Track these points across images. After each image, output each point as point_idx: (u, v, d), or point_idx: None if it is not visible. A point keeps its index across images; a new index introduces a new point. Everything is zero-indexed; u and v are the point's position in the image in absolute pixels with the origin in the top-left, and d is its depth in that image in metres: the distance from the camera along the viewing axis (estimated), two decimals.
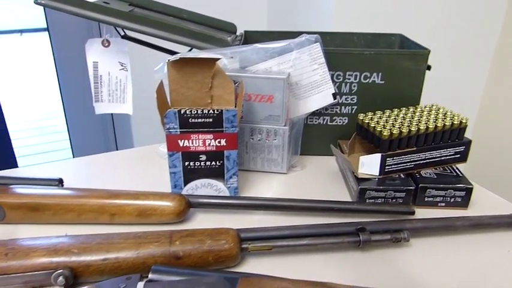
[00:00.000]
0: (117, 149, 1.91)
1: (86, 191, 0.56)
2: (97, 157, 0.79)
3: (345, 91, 0.70)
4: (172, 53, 0.75)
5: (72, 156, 1.85)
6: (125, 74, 0.77)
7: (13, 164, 0.88)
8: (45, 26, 1.65)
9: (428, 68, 0.69)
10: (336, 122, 0.73)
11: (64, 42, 1.68)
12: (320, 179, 0.70)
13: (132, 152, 0.82)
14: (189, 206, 0.56)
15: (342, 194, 0.65)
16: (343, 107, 0.72)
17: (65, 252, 0.44)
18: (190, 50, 0.74)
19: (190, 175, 0.59)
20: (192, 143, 0.57)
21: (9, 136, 0.92)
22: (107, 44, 0.74)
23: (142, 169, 0.74)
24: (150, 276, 0.41)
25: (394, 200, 0.60)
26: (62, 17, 1.65)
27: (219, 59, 0.60)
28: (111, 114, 1.87)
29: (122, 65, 0.76)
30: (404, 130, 0.59)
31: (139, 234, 0.47)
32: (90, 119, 1.83)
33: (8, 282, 0.43)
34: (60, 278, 0.43)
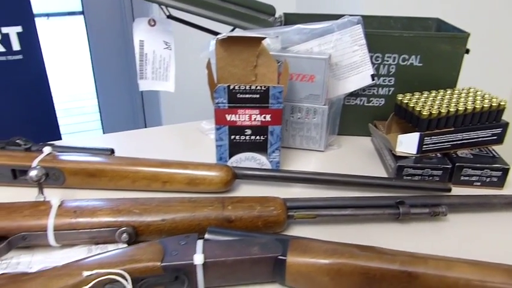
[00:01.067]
0: (146, 126, 1.96)
1: (140, 160, 0.59)
2: (140, 132, 0.83)
3: (383, 73, 0.72)
4: (214, 33, 0.78)
5: None
6: (169, 53, 0.80)
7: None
8: (81, 10, 1.69)
9: (467, 51, 0.70)
10: (373, 103, 0.75)
11: (98, 25, 1.73)
12: (356, 157, 0.72)
13: (175, 128, 0.85)
14: (235, 176, 0.59)
15: (378, 172, 0.67)
16: (380, 88, 0.74)
17: (127, 212, 0.48)
18: (232, 30, 0.77)
19: (235, 148, 0.63)
20: (239, 118, 0.60)
21: (55, 112, 0.97)
22: (153, 24, 0.77)
23: (185, 144, 0.77)
24: (207, 236, 0.45)
25: (430, 178, 0.62)
26: (96, 0, 1.70)
27: (264, 38, 0.63)
28: (141, 95, 1.92)
29: (166, 44, 0.79)
30: (443, 110, 0.61)
31: (193, 199, 0.50)
32: (121, 99, 1.89)
33: (76, 237, 0.47)
34: (124, 235, 0.46)
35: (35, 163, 0.58)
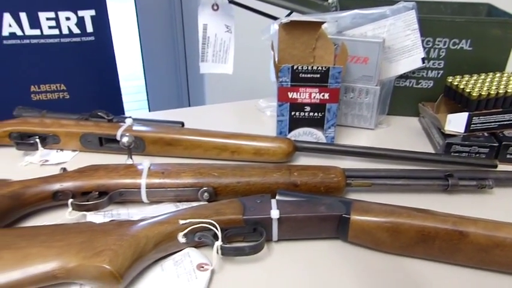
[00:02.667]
0: (189, 106, 2.04)
1: (210, 132, 0.66)
2: (200, 108, 0.91)
3: (433, 56, 0.76)
4: (272, 17, 0.83)
5: None
6: (229, 36, 0.86)
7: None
8: None
9: None
10: (422, 85, 0.79)
11: (147, 8, 1.80)
12: (404, 135, 0.77)
13: (232, 106, 0.92)
14: (295, 149, 0.65)
15: (425, 149, 0.72)
16: (429, 71, 0.78)
17: (207, 175, 0.55)
18: (289, 14, 0.82)
19: (294, 123, 0.69)
20: (300, 95, 0.66)
21: (120, 90, 1.06)
22: (216, 8, 0.83)
23: (242, 119, 0.84)
24: (277, 197, 0.51)
25: (477, 155, 0.66)
26: None
27: (324, 22, 0.68)
28: (186, 76, 2.00)
29: (227, 28, 0.85)
30: (492, 92, 0.65)
31: (263, 165, 0.57)
32: (167, 80, 1.97)
33: (164, 195, 0.55)
34: (205, 194, 0.54)
35: (119, 132, 0.66)
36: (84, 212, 0.51)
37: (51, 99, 1.01)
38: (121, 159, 0.63)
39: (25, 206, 0.52)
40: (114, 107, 1.05)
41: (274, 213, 0.47)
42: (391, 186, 0.58)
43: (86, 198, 0.53)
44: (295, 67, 0.64)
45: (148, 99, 2.04)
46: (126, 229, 0.45)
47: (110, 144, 0.68)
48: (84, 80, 1.00)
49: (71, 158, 0.68)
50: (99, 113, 0.71)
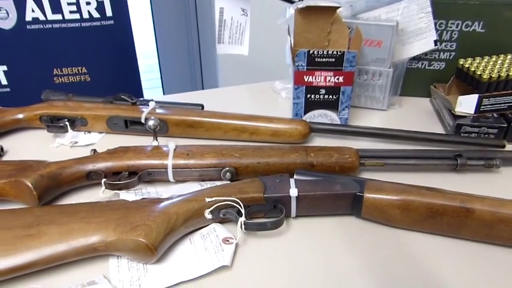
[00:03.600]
0: (203, 89, 2.07)
1: (230, 114, 0.70)
2: (216, 90, 0.94)
3: (445, 38, 0.78)
4: (287, 1, 0.85)
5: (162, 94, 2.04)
6: (245, 19, 0.88)
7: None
8: None
9: None
10: (434, 66, 0.81)
11: None
12: (416, 116, 0.79)
13: (247, 87, 0.95)
14: (311, 130, 0.69)
15: (436, 129, 0.74)
16: (441, 53, 0.80)
17: (229, 156, 0.58)
18: None
19: (310, 106, 0.72)
20: (315, 79, 0.69)
21: (139, 72, 1.09)
22: None
23: (259, 101, 0.87)
24: (295, 176, 0.55)
25: (486, 136, 0.69)
26: None
27: (339, 7, 0.70)
28: (200, 59, 2.02)
29: (243, 11, 0.87)
30: (503, 74, 0.67)
31: (281, 147, 0.61)
32: (181, 62, 1.99)
33: (189, 174, 0.58)
34: (228, 174, 0.58)
35: (144, 115, 0.69)
36: (117, 191, 0.56)
37: (73, 82, 1.04)
38: (145, 140, 0.66)
39: (62, 185, 0.56)
40: (133, 88, 1.09)
41: (293, 192, 0.50)
42: (402, 166, 0.61)
43: (118, 178, 0.57)
44: (311, 52, 0.66)
45: (162, 81, 2.07)
46: (158, 206, 0.49)
47: (134, 126, 0.72)
48: (104, 63, 1.04)
49: (98, 140, 0.72)
50: (122, 96, 0.75)
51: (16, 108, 0.73)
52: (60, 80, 1.04)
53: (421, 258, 0.48)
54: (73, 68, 1.02)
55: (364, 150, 0.62)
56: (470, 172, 0.62)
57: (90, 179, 0.58)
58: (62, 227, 0.46)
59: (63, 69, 1.03)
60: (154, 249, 0.45)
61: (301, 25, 0.72)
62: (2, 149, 0.67)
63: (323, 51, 0.66)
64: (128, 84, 1.08)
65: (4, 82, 1.01)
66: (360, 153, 0.61)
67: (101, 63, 1.03)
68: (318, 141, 0.71)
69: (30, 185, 0.53)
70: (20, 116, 0.72)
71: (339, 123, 0.73)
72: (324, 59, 0.67)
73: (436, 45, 0.77)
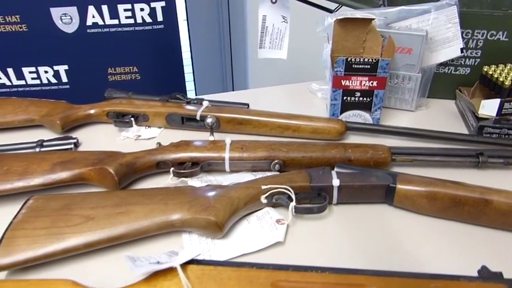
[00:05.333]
0: (233, 90, 2.16)
1: (274, 113, 0.79)
2: (254, 91, 1.03)
3: (471, 46, 0.85)
4: (325, 9, 0.93)
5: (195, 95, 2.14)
6: (285, 26, 0.97)
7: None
8: None
9: None
10: (459, 71, 0.89)
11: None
12: (441, 117, 0.87)
13: (283, 88, 1.04)
14: (346, 129, 0.77)
15: (460, 130, 0.81)
16: (467, 59, 0.87)
17: (278, 150, 0.67)
18: (339, 8, 0.92)
19: (345, 107, 0.80)
20: (351, 83, 0.77)
21: (184, 74, 1.19)
22: (274, 1, 0.94)
23: (296, 101, 0.96)
24: (336, 169, 0.63)
25: (506, 136, 0.76)
26: None
27: (374, 19, 0.78)
28: (231, 62, 2.11)
29: (283, 18, 0.96)
30: None
31: (322, 143, 0.69)
32: (213, 65, 2.09)
33: (243, 166, 0.68)
34: (277, 166, 0.67)
35: (199, 113, 0.79)
36: (183, 178, 0.65)
37: (125, 80, 1.15)
38: (199, 135, 0.76)
39: (136, 172, 0.67)
40: (178, 87, 1.19)
41: (336, 182, 0.59)
42: (429, 162, 0.69)
43: (183, 167, 0.67)
44: (349, 59, 0.75)
45: (194, 82, 2.16)
46: (222, 191, 0.58)
47: (189, 122, 0.81)
48: (154, 64, 1.14)
49: (158, 134, 0.82)
50: (177, 96, 0.84)
51: (87, 105, 0.83)
52: (113, 78, 1.15)
53: (443, 241, 0.56)
54: (125, 68, 1.13)
55: (395, 147, 0.70)
56: (491, 169, 0.70)
57: (159, 168, 0.68)
58: (145, 207, 0.56)
59: (116, 68, 1.13)
60: (222, 226, 0.54)
61: (340, 34, 0.80)
62: (77, 141, 0.77)
63: (360, 59, 0.74)
64: (173, 83, 1.18)
65: (65, 80, 1.12)
66: (392, 150, 0.69)
67: (151, 63, 1.13)
68: (352, 138, 0.79)
69: (112, 171, 0.63)
70: (92, 111, 0.82)
71: (372, 122, 0.81)
72: (360, 66, 0.75)
73: (462, 52, 0.84)
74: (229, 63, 2.08)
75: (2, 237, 0.52)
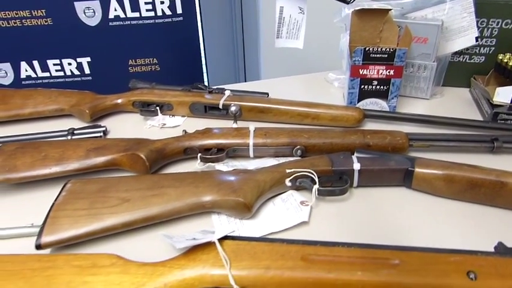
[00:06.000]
0: (245, 81, 2.18)
1: (294, 101, 0.82)
2: (271, 81, 1.05)
3: (486, 35, 0.87)
4: (341, 0, 0.95)
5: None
6: (302, 17, 0.99)
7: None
8: None
9: None
10: (474, 60, 0.91)
11: None
12: (456, 105, 0.89)
13: (301, 78, 1.06)
14: (364, 116, 0.80)
15: (475, 117, 0.84)
16: (482, 48, 0.89)
17: (299, 137, 0.70)
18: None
19: (363, 95, 0.83)
20: (369, 72, 0.80)
21: (202, 65, 1.22)
22: None
23: (313, 90, 0.98)
24: (356, 154, 0.66)
25: None
26: None
27: (391, 9, 0.80)
28: (244, 53, 2.13)
29: (300, 9, 0.98)
30: None
31: (342, 129, 0.72)
32: (225, 53, 2.10)
33: (266, 152, 0.71)
34: (299, 151, 0.70)
35: (222, 101, 0.82)
36: (210, 163, 0.69)
37: (145, 71, 1.18)
38: (221, 123, 0.80)
39: (165, 158, 0.70)
40: (196, 78, 1.22)
41: (356, 166, 0.62)
42: (445, 147, 0.72)
43: (209, 153, 0.70)
44: (366, 48, 0.77)
45: (207, 73, 2.18)
46: (248, 175, 0.62)
47: (212, 111, 0.85)
48: (173, 55, 1.17)
49: (182, 122, 0.85)
50: (199, 85, 0.88)
51: (113, 95, 0.87)
52: (134, 69, 1.18)
53: (460, 221, 0.59)
54: (145, 59, 1.16)
55: (412, 133, 0.72)
56: (505, 154, 0.72)
57: (186, 154, 0.71)
58: (176, 189, 0.59)
59: (137, 60, 1.17)
60: (250, 207, 0.58)
61: (357, 24, 0.82)
62: (106, 129, 0.81)
63: (377, 48, 0.77)
64: (192, 73, 1.21)
65: (87, 71, 1.16)
66: (409, 136, 0.71)
67: (170, 55, 1.16)
68: (369, 125, 0.82)
69: (144, 157, 0.67)
70: (118, 101, 0.86)
71: (388, 110, 0.84)
72: (378, 55, 0.78)
73: (477, 41, 0.86)
74: (242, 54, 2.09)
75: (47, 217, 0.56)
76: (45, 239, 0.53)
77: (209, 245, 0.46)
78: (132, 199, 0.58)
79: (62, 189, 0.60)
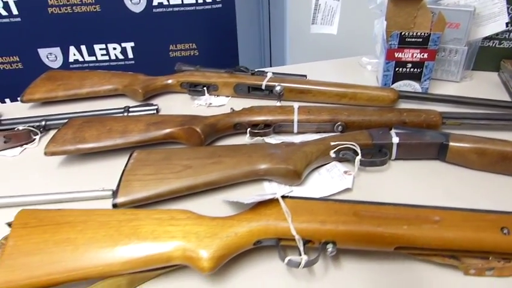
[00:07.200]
0: (271, 66, 2.24)
1: (331, 82, 0.87)
2: (305, 65, 1.11)
3: None
4: None
5: None
6: (336, 3, 1.05)
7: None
8: None
9: None
10: (503, 45, 0.95)
11: None
12: (485, 87, 0.94)
13: (333, 62, 1.12)
14: (399, 96, 0.85)
15: (503, 99, 0.88)
16: (511, 33, 0.93)
17: (340, 114, 0.76)
18: None
19: (397, 77, 0.88)
20: (404, 55, 0.85)
21: (238, 51, 1.28)
22: None
23: (347, 74, 1.04)
24: (394, 130, 0.72)
25: None
26: None
27: None
28: (270, 38, 2.18)
29: None
30: None
31: (379, 108, 0.78)
32: (251, 38, 2.16)
33: (309, 127, 0.77)
34: (340, 127, 0.76)
35: (264, 82, 0.88)
36: (258, 137, 0.75)
37: (184, 56, 1.25)
38: (263, 103, 0.86)
39: (217, 132, 0.77)
40: (233, 62, 1.29)
41: (395, 139, 0.68)
42: (476, 125, 0.77)
43: (257, 128, 0.76)
44: (402, 33, 0.83)
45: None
46: (296, 147, 0.68)
47: (255, 91, 0.91)
48: (211, 41, 1.23)
49: (227, 102, 0.92)
50: (241, 68, 0.94)
51: (163, 76, 0.94)
52: (174, 54, 1.25)
53: (493, 190, 0.64)
54: (185, 44, 1.23)
55: (445, 112, 0.77)
56: None
57: (236, 129, 0.78)
58: (232, 159, 0.66)
59: (177, 45, 1.24)
60: (300, 174, 0.64)
61: (393, 11, 0.88)
62: (158, 107, 0.88)
63: (413, 33, 0.82)
64: (228, 57, 1.27)
65: (130, 56, 1.23)
66: (442, 114, 0.77)
67: (208, 40, 1.23)
68: (403, 106, 0.87)
69: (199, 130, 0.73)
70: (169, 81, 0.93)
71: (421, 91, 0.89)
72: (413, 39, 0.83)
73: (507, 26, 0.90)
74: (268, 39, 2.15)
75: (120, 181, 0.63)
76: (120, 199, 0.61)
77: (272, 202, 0.53)
78: (193, 166, 0.65)
79: (129, 158, 0.68)
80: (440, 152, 0.69)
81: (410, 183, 0.67)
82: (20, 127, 0.82)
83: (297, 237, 0.50)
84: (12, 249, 0.49)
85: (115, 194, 0.61)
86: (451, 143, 0.67)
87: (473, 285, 0.50)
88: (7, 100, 1.24)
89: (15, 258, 0.49)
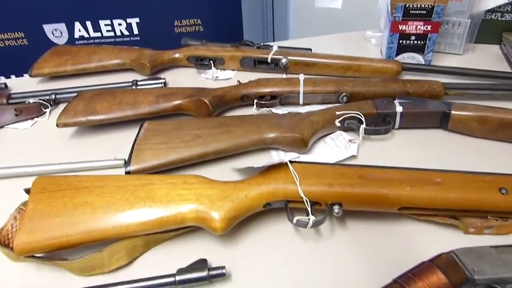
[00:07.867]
0: (273, 41, 2.24)
1: (336, 55, 0.89)
2: (310, 39, 1.12)
3: None
4: None
5: None
6: None
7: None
8: None
9: None
10: (505, 17, 0.96)
11: None
12: (487, 60, 0.95)
13: (337, 36, 1.13)
14: (403, 68, 0.87)
15: (505, 70, 0.90)
16: None
17: (345, 85, 0.78)
18: None
19: (401, 49, 0.90)
20: (408, 28, 0.86)
21: (242, 23, 1.29)
22: None
23: (351, 47, 1.05)
24: (397, 100, 0.73)
25: None
26: None
27: None
28: (272, 12, 2.18)
29: None
30: None
31: (383, 79, 0.79)
32: (253, 12, 2.15)
33: (314, 99, 0.79)
34: (345, 98, 0.78)
35: (270, 56, 0.90)
36: (265, 108, 0.77)
37: (189, 32, 1.26)
38: (269, 76, 0.87)
39: (225, 104, 0.79)
40: (237, 37, 1.29)
41: (399, 108, 0.70)
42: (478, 95, 0.79)
43: (264, 100, 0.78)
44: (407, 5, 0.84)
45: None
46: (303, 117, 0.70)
47: (260, 65, 0.92)
48: (215, 15, 1.24)
49: (233, 75, 0.93)
50: (247, 42, 0.95)
51: (170, 51, 0.95)
52: (179, 30, 1.26)
53: (493, 156, 0.67)
54: (190, 20, 1.24)
55: (448, 83, 0.79)
56: None
57: (243, 101, 0.80)
58: (240, 128, 0.68)
59: (182, 20, 1.24)
60: (307, 143, 0.66)
61: None
62: (165, 81, 0.90)
63: (417, 5, 0.83)
64: (231, 32, 1.28)
65: (136, 32, 1.24)
66: (445, 85, 0.78)
67: (213, 15, 1.23)
68: (406, 77, 0.89)
69: (207, 102, 0.75)
70: (176, 55, 0.94)
71: (424, 63, 0.90)
72: (417, 11, 0.84)
73: None
74: (271, 13, 2.14)
75: (132, 149, 0.65)
76: (133, 167, 0.63)
77: (281, 166, 0.55)
78: (203, 135, 0.67)
79: (140, 128, 0.70)
80: (442, 121, 0.71)
81: (413, 150, 0.69)
82: (31, 100, 0.84)
83: (304, 198, 0.52)
84: (32, 212, 0.52)
85: (127, 162, 0.64)
86: (453, 112, 0.69)
87: (473, 243, 0.52)
88: (12, 76, 1.25)
89: (36, 221, 0.51)
